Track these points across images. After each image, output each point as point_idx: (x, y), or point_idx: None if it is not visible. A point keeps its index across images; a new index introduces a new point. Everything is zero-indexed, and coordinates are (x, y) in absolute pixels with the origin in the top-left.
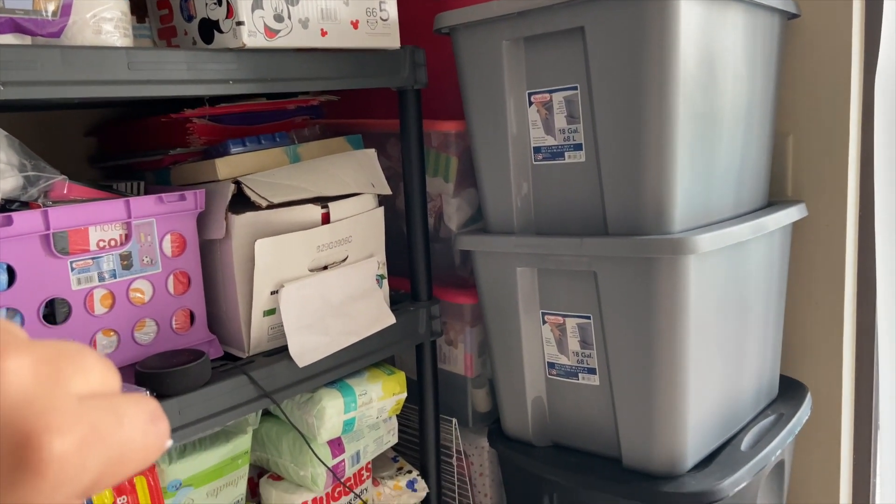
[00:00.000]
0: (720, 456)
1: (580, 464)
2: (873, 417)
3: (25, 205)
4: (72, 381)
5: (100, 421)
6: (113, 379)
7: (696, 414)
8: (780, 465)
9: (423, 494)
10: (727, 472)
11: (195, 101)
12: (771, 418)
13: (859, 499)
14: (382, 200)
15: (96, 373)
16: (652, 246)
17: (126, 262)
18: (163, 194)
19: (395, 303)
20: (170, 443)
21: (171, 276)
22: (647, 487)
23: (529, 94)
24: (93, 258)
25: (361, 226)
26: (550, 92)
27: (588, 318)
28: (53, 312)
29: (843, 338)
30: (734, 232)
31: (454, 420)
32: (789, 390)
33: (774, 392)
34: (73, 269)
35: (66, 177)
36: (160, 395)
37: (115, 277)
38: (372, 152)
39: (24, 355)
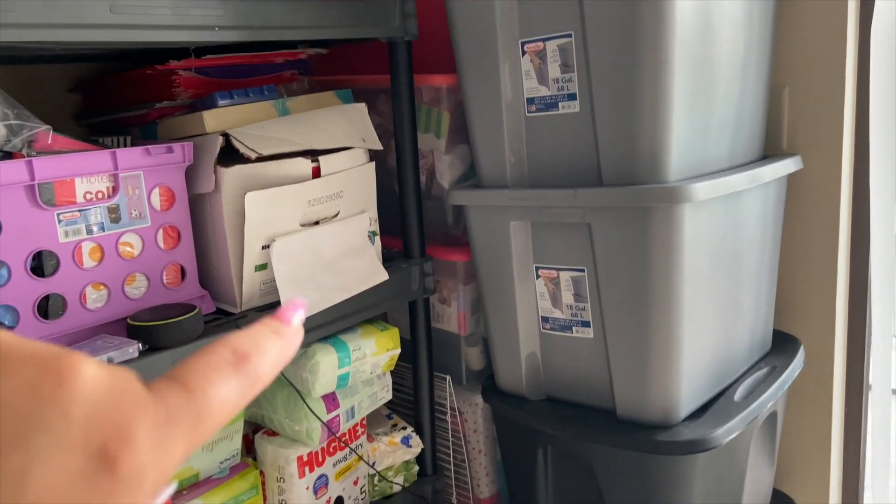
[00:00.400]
0: (714, 406)
1: (574, 416)
2: (865, 372)
3: (9, 155)
4: (127, 372)
5: (168, 399)
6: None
7: (690, 364)
8: (772, 417)
9: (418, 450)
10: (720, 422)
11: (180, 54)
12: (764, 370)
13: (850, 451)
14: (373, 159)
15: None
16: (647, 195)
17: (114, 215)
18: (150, 146)
19: (388, 260)
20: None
21: (161, 231)
22: (641, 436)
23: (522, 44)
24: (80, 210)
25: (353, 181)
26: (544, 40)
27: (582, 270)
28: (42, 265)
29: (837, 292)
30: (730, 181)
31: (448, 377)
32: (782, 344)
33: (768, 345)
34: (59, 222)
35: (50, 126)
36: (152, 347)
37: (104, 230)
38: (362, 106)
39: (90, 360)
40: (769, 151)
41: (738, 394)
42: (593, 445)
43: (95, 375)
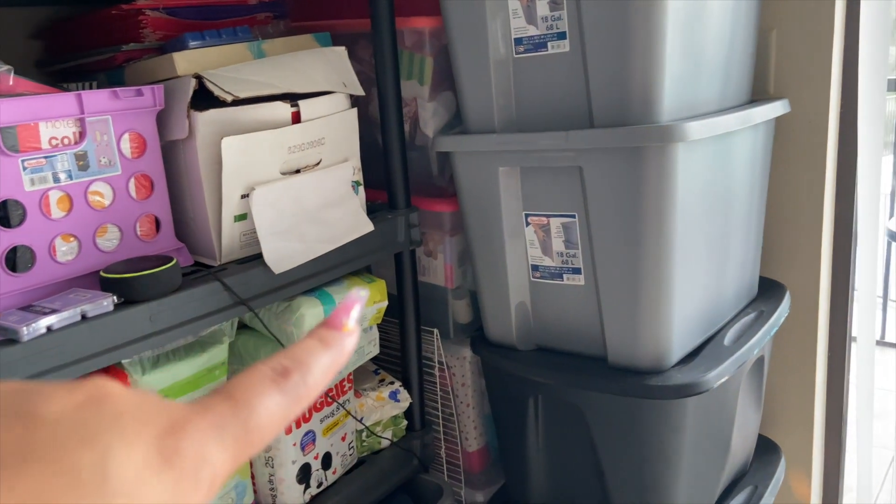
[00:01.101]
0: (704, 350)
1: (566, 364)
2: (848, 322)
3: None
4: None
5: (215, 408)
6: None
7: (681, 309)
8: (759, 362)
9: (406, 405)
10: (711, 366)
11: None
12: (751, 315)
13: (834, 399)
14: (354, 108)
15: None
16: (640, 134)
17: (82, 162)
18: (117, 89)
19: (372, 212)
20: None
21: (133, 179)
22: (633, 382)
23: None
24: (45, 157)
25: (334, 127)
26: None
27: (573, 216)
28: (7, 216)
29: (822, 238)
30: (722, 122)
31: (435, 331)
32: (768, 290)
33: (754, 291)
34: (24, 169)
35: (10, 67)
36: (128, 300)
37: (72, 179)
38: (342, 50)
39: (115, 383)
40: (756, 96)
41: (728, 338)
42: (585, 392)
43: (126, 391)
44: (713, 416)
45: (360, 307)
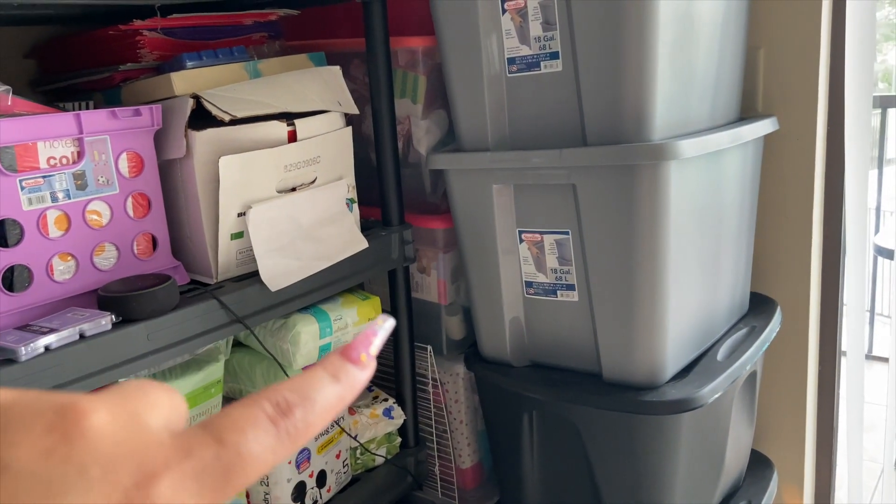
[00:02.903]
0: (698, 366)
1: (560, 380)
2: (838, 337)
3: None
4: (149, 416)
5: (197, 450)
6: (181, 404)
7: (675, 324)
8: (752, 377)
9: (400, 422)
10: (705, 381)
11: (144, 13)
12: (743, 331)
13: (825, 414)
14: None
15: (164, 402)
16: (634, 153)
17: (80, 181)
18: (116, 109)
19: (366, 229)
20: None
21: (130, 198)
22: (628, 397)
23: (502, 1)
24: (44, 177)
25: (329, 146)
26: None
27: (566, 233)
28: (5, 235)
29: (811, 254)
30: (714, 139)
31: (429, 347)
32: (759, 305)
33: (745, 307)
34: (22, 188)
35: (9, 87)
36: (125, 319)
37: (70, 198)
38: (337, 69)
39: (99, 406)
40: (745, 114)
41: (721, 354)
42: (580, 408)
43: (105, 424)
44: (707, 432)
45: (382, 337)
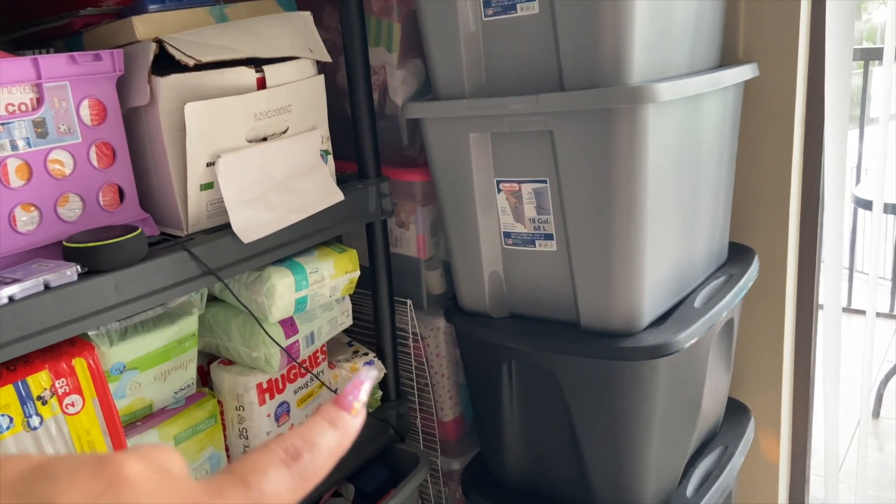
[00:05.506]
0: (675, 313)
1: (539, 329)
2: (815, 288)
3: None
4: (173, 467)
5: (227, 492)
6: (183, 459)
7: (652, 271)
8: (729, 324)
9: (381, 375)
10: (682, 327)
11: None
12: (721, 279)
13: (801, 363)
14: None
15: (177, 456)
16: (611, 96)
17: (40, 129)
18: (75, 53)
19: (342, 182)
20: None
21: (94, 147)
22: (605, 344)
23: None
24: (2, 124)
25: (301, 94)
26: None
27: (544, 182)
28: None
29: (790, 203)
30: (692, 83)
31: (409, 302)
32: (738, 254)
33: (724, 256)
34: None
35: None
36: (92, 270)
37: (30, 146)
38: (307, 15)
39: (132, 458)
40: (725, 61)
41: (698, 301)
42: (558, 357)
43: (143, 472)
44: (684, 377)
45: (369, 386)
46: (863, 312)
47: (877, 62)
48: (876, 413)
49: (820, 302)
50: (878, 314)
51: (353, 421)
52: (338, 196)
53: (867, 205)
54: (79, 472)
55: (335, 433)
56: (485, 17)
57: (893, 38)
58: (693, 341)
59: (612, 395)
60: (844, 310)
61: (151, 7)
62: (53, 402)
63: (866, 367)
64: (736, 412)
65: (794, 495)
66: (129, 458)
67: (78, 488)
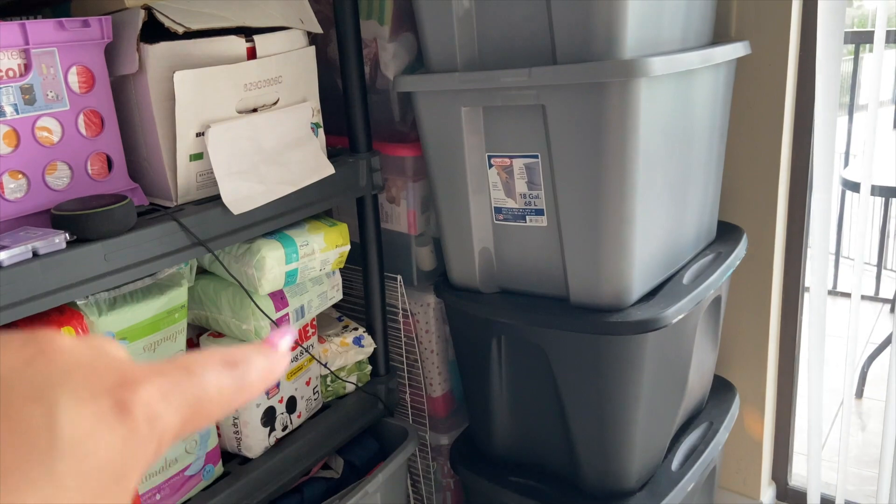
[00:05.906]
0: (664, 289)
1: (528, 304)
2: (802, 269)
3: None
4: (111, 349)
5: (169, 373)
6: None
7: (642, 247)
8: (717, 301)
9: (370, 350)
10: (670, 303)
11: None
12: (710, 256)
13: (787, 340)
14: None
15: (120, 347)
16: (603, 70)
17: (28, 96)
18: (63, 19)
19: (333, 156)
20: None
21: (82, 115)
22: (594, 319)
23: None
24: None
25: (292, 65)
26: None
27: (536, 157)
28: None
29: (779, 183)
30: (684, 59)
31: (399, 277)
32: (726, 233)
33: (713, 234)
34: None
35: None
36: (81, 238)
37: (18, 113)
38: None
39: (65, 335)
40: (718, 39)
41: (686, 277)
42: (547, 331)
43: (76, 345)
44: (671, 352)
45: (290, 338)
46: (848, 295)
47: (867, 50)
48: (859, 393)
49: (806, 284)
50: (863, 297)
51: (279, 357)
52: (328, 169)
53: (855, 187)
54: (11, 341)
55: (265, 359)
56: None
57: (884, 22)
58: (681, 317)
59: (601, 370)
60: (830, 292)
61: None
62: None
63: (850, 349)
64: (722, 389)
65: (777, 472)
66: (64, 335)
67: (7, 353)
